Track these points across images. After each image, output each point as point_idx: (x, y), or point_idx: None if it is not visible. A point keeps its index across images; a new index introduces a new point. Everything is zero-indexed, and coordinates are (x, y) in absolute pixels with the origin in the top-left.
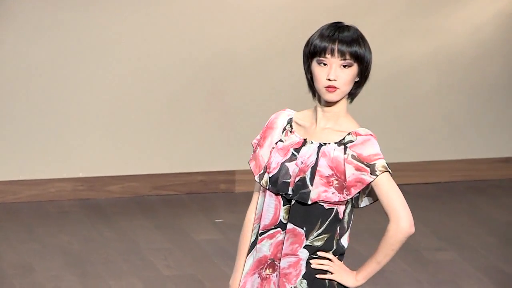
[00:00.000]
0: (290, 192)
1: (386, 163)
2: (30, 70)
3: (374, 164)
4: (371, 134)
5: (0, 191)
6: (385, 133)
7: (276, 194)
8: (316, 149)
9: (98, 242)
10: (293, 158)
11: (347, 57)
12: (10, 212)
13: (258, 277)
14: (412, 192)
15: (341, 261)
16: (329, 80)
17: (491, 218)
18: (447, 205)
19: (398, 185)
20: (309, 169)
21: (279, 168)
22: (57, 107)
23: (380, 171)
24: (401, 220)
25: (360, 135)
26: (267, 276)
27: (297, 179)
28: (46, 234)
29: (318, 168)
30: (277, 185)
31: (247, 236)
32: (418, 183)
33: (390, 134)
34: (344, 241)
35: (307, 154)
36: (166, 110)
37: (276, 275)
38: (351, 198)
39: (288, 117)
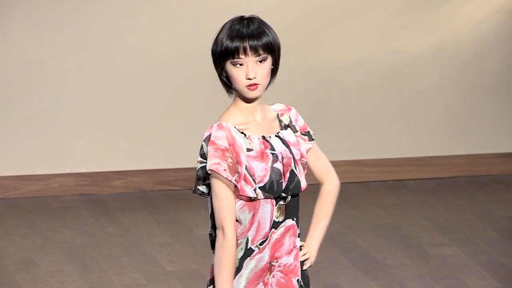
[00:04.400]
0: (284, 189)
1: None
2: (31, 65)
3: (308, 131)
4: (286, 105)
5: (3, 186)
6: (386, 128)
7: (271, 198)
8: (280, 141)
9: (100, 237)
10: (275, 159)
11: (261, 52)
12: (13, 207)
13: (262, 285)
14: (413, 188)
15: None
16: (249, 79)
17: (493, 213)
18: (449, 201)
19: (400, 180)
20: (292, 161)
21: (270, 173)
22: (60, 102)
23: (313, 134)
24: (337, 178)
25: (285, 110)
26: (268, 280)
27: (288, 175)
28: (48, 229)
29: (295, 157)
30: (273, 190)
31: (235, 258)
32: (419, 178)
33: (391, 129)
34: None
35: (280, 148)
36: (169, 105)
37: (273, 276)
38: None
39: (231, 127)
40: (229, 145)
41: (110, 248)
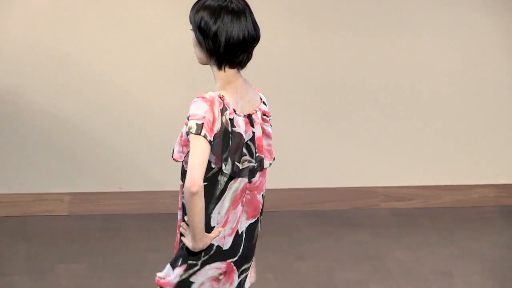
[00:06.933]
0: None
1: (198, 124)
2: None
3: (187, 124)
4: (202, 96)
5: (423, 195)
6: None
7: None
8: None
9: None
10: None
11: None
12: (433, 217)
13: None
14: None
15: (207, 232)
16: None
17: None
18: None
19: None
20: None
21: None
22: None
23: (188, 130)
24: (186, 179)
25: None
26: None
27: None
28: (466, 240)
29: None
30: None
31: None
32: None
33: None
34: (214, 213)
35: None
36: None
37: None
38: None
39: None
40: None
41: None
